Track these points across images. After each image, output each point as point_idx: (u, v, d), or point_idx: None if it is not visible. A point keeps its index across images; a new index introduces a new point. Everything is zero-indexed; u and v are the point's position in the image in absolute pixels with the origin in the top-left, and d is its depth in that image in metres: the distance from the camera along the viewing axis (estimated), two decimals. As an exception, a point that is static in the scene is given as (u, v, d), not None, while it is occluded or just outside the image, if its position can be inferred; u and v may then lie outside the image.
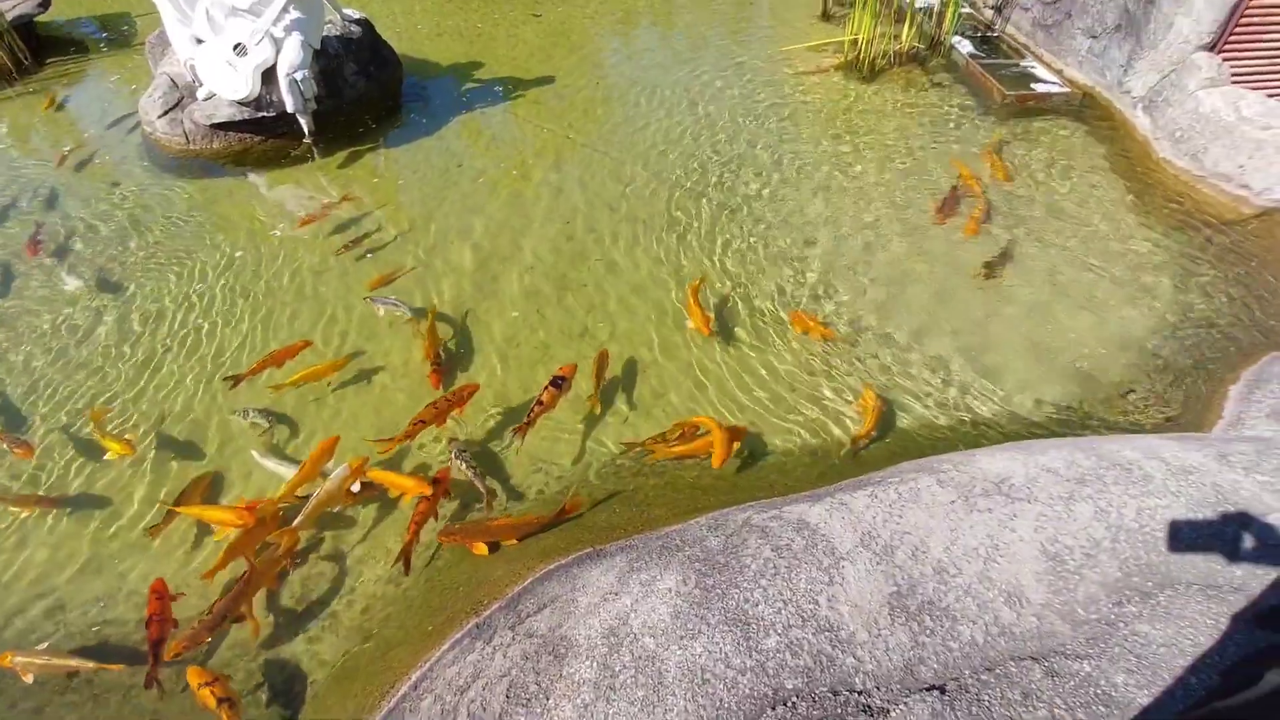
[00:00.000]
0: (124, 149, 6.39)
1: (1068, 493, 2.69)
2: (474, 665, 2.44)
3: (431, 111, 6.97)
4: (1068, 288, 4.75)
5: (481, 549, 3.31)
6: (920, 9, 7.76)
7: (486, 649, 2.50)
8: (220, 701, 2.71)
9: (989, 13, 8.03)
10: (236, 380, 4.10)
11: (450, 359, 4.39)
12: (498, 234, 5.36)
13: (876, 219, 5.43)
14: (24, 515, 3.55)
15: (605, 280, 4.94)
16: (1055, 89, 6.72)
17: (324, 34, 6.09)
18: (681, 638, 2.16)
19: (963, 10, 7.91)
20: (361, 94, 6.53)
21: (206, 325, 4.62)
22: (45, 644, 3.11)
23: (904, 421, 3.98)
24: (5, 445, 3.74)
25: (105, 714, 2.92)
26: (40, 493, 3.68)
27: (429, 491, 3.43)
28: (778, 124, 6.64)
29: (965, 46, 7.61)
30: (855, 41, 7.35)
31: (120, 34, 8.84)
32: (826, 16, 8.63)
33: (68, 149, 6.38)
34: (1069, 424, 3.95)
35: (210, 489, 3.72)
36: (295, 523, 3.34)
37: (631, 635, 2.22)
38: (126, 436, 3.88)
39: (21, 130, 6.90)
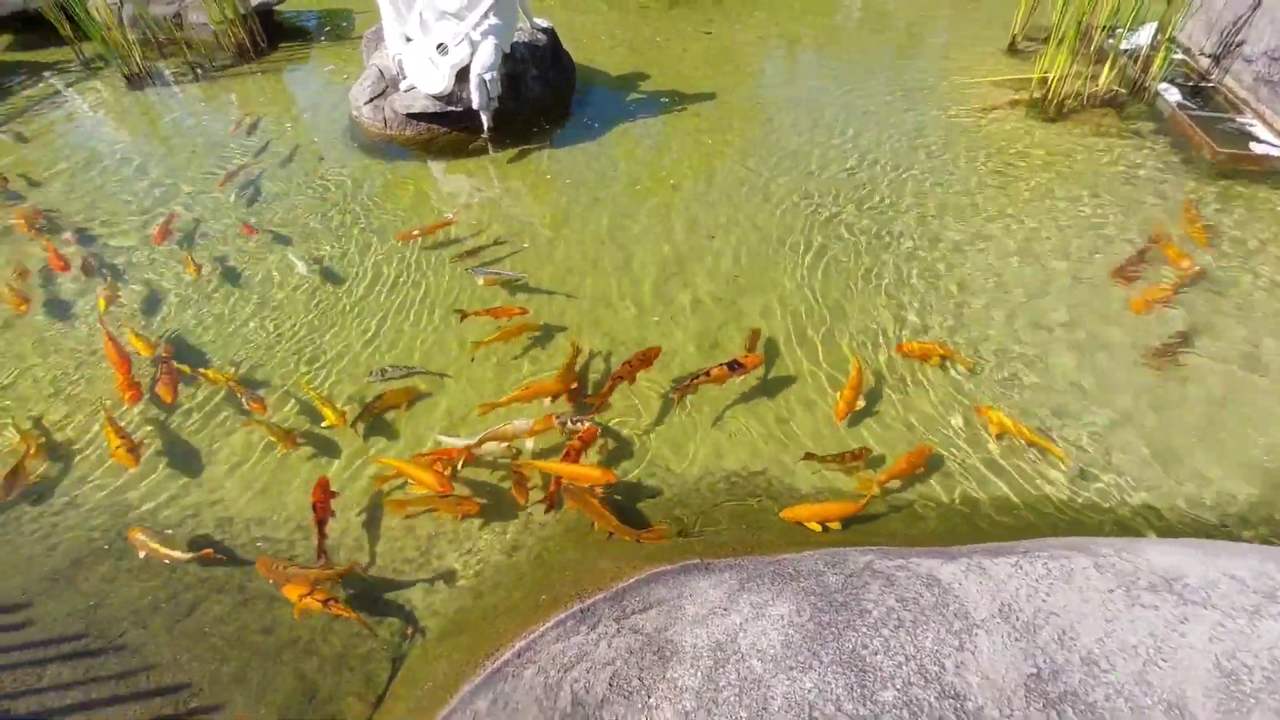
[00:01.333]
0: (331, 129, 7.28)
1: (1253, 605, 2.34)
2: (578, 647, 2.52)
3: (597, 118, 7.32)
4: (1268, 375, 4.14)
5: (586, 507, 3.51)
6: (1125, 50, 7.09)
7: (591, 635, 2.57)
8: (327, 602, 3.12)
9: (1204, 61, 7.17)
10: (464, 315, 4.72)
11: (584, 359, 4.56)
12: (642, 239, 5.53)
13: (1047, 271, 5.01)
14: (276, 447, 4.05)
15: (740, 299, 4.93)
16: (1277, 152, 5.88)
17: (514, 39, 6.60)
18: (791, 669, 2.10)
19: (1174, 56, 7.13)
20: (538, 97, 7.00)
21: (382, 294, 5.16)
22: (170, 531, 3.61)
23: (1046, 489, 3.63)
24: (243, 399, 4.32)
25: (221, 606, 3.30)
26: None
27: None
28: (944, 158, 6.33)
29: (1173, 95, 6.84)
30: (1045, 79, 6.85)
31: (340, 28, 10.06)
32: (1013, 50, 8.10)
33: (249, 120, 7.43)
34: (1249, 528, 3.43)
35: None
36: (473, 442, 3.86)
37: (739, 654, 2.19)
38: (343, 409, 4.23)
39: (247, 101, 8.04)
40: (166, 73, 8.79)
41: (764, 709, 1.99)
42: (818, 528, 3.45)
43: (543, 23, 7.17)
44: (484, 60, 6.17)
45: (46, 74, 8.89)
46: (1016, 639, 2.17)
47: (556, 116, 7.28)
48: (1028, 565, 2.47)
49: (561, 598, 3.10)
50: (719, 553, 3.27)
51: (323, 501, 3.57)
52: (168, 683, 2.90)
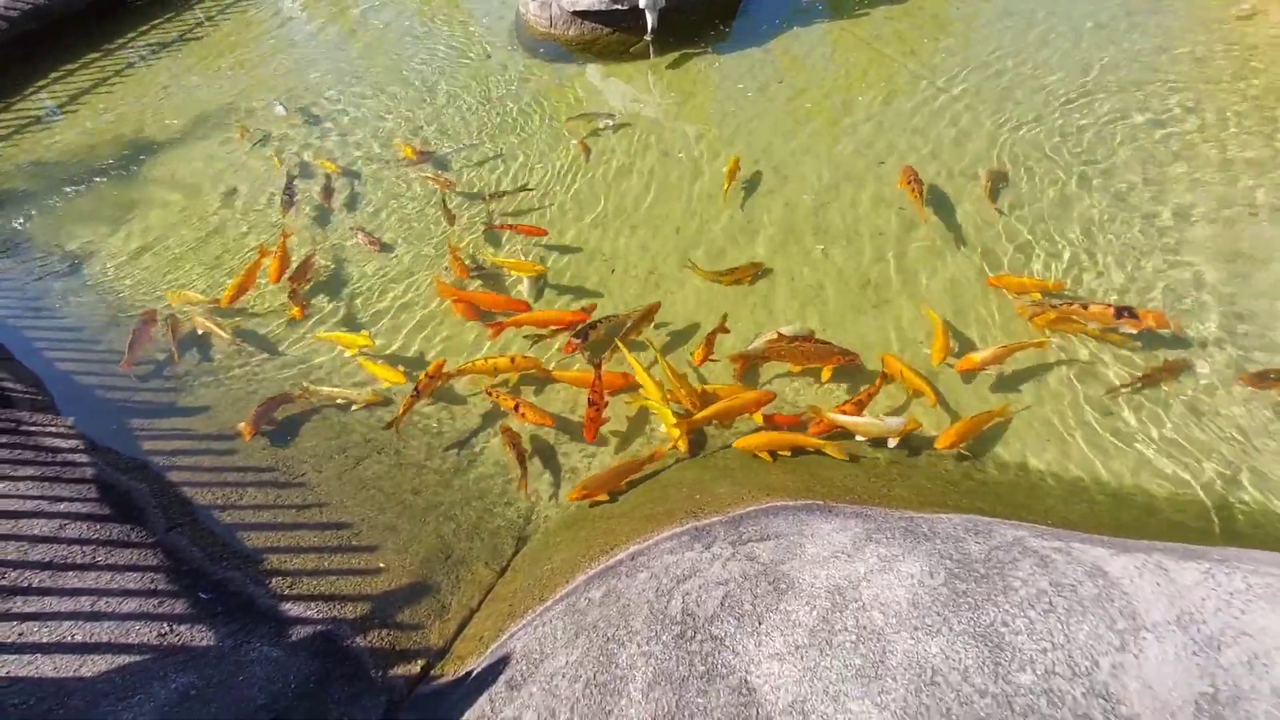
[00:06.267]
0: (498, 26, 7.32)
1: None
2: (691, 563, 2.55)
3: (768, 22, 6.73)
4: None
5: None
6: None
7: (705, 554, 2.59)
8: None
9: None
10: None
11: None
12: (800, 161, 5.13)
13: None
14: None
15: (904, 236, 4.47)
16: None
17: (688, -70, 6.13)
18: (916, 629, 1.99)
19: None
20: (706, -3, 6.55)
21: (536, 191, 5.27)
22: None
23: (1266, 499, 3.07)
24: (361, 240, 4.98)
25: (380, 465, 3.69)
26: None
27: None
28: (1193, 87, 5.17)
29: None
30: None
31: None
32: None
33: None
34: None
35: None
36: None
37: (860, 603, 2.11)
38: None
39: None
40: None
41: (881, 661, 1.91)
42: (768, 458, 3.41)
43: (721, -89, 6.58)
44: (656, -47, 5.81)
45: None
46: (1194, 653, 1.89)
47: (724, 17, 6.79)
48: (1222, 576, 2.11)
49: (675, 513, 3.16)
50: (842, 496, 3.14)
51: (434, 375, 3.88)
52: (335, 519, 3.35)
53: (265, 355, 4.42)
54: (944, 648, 1.92)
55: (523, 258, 4.73)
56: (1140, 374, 3.54)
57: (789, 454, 3.49)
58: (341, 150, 6.02)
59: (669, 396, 3.65)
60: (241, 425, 3.79)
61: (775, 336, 3.84)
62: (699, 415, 3.55)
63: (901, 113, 5.41)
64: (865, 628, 2.03)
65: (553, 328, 4.22)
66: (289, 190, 5.49)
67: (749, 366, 3.89)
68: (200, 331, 4.46)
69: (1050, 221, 4.39)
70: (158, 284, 4.95)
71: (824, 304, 4.18)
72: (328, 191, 5.49)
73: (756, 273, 4.38)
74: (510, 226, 4.92)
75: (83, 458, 3.55)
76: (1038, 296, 3.95)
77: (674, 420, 3.52)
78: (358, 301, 4.68)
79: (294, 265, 4.80)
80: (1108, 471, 3.27)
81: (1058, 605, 2.01)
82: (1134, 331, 3.63)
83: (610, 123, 5.67)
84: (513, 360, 3.94)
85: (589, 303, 4.35)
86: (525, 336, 4.30)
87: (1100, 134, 4.90)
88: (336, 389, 4.06)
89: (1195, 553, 2.30)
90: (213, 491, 3.47)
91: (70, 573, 2.84)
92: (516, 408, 3.75)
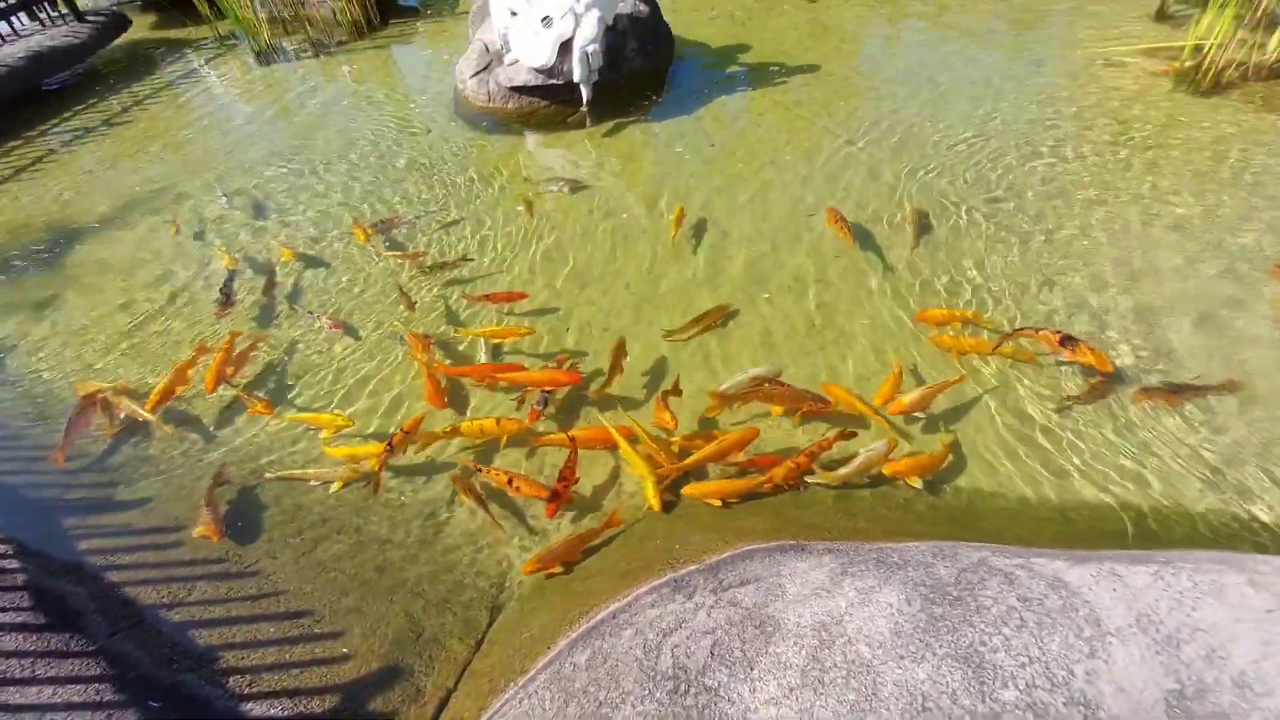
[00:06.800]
0: (436, 102, 7.54)
1: None
2: (675, 615, 2.54)
3: (695, 91, 7.21)
4: None
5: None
6: (1302, 14, 6.23)
7: (688, 604, 2.59)
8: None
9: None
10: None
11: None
12: (738, 217, 5.42)
13: (1188, 259, 4.54)
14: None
15: (843, 281, 4.76)
16: None
17: (616, 10, 6.57)
18: (902, 657, 2.04)
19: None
20: (637, 70, 6.96)
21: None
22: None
23: (1198, 506, 3.32)
24: (325, 324, 4.79)
25: (340, 545, 3.54)
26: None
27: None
28: (1073, 135, 5.82)
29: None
30: (1199, 48, 6.14)
31: (447, 3, 10.34)
32: (1163, 16, 7.31)
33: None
34: None
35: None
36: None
37: (845, 638, 2.15)
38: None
39: (361, 76, 8.44)
40: (290, 49, 9.36)
41: (874, 694, 1.94)
42: (718, 503, 3.48)
43: (646, -7, 7.10)
44: (587, 34, 6.18)
45: (186, 51, 9.69)
46: (1156, 652, 2.01)
47: (654, 89, 7.23)
48: (1169, 576, 2.27)
49: (652, 565, 3.14)
50: (812, 534, 3.21)
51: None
52: (295, 608, 3.17)
53: (202, 439, 4.21)
54: (930, 673, 1.97)
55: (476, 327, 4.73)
56: (1072, 395, 3.83)
57: (737, 501, 3.52)
58: (289, 236, 5.90)
59: (647, 455, 3.65)
60: (201, 529, 3.49)
61: (750, 378, 3.96)
62: (688, 461, 3.59)
63: (821, 166, 5.83)
64: (854, 661, 2.06)
65: (547, 389, 4.13)
66: (227, 288, 5.17)
67: (726, 406, 3.98)
68: (136, 419, 4.22)
69: (946, 252, 4.79)
70: (87, 375, 4.68)
71: (774, 348, 4.36)
72: (270, 283, 5.23)
73: (725, 315, 4.55)
74: (487, 298, 4.80)
75: (12, 563, 3.26)
76: (957, 326, 4.27)
77: (653, 481, 3.50)
78: (323, 384, 4.51)
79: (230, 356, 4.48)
80: (1046, 489, 3.47)
81: (1028, 620, 2.11)
82: (1067, 360, 3.92)
83: (560, 188, 5.85)
84: (498, 423, 3.89)
85: (573, 362, 4.38)
86: (513, 398, 4.23)
87: (982, 172, 5.43)
88: (309, 470, 3.89)
89: (1141, 557, 2.47)
90: (158, 589, 3.23)
91: (11, 688, 2.58)
92: (510, 482, 3.61)
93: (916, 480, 3.49)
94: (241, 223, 6.03)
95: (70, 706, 2.59)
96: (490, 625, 3.23)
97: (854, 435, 3.72)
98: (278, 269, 5.42)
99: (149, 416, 4.17)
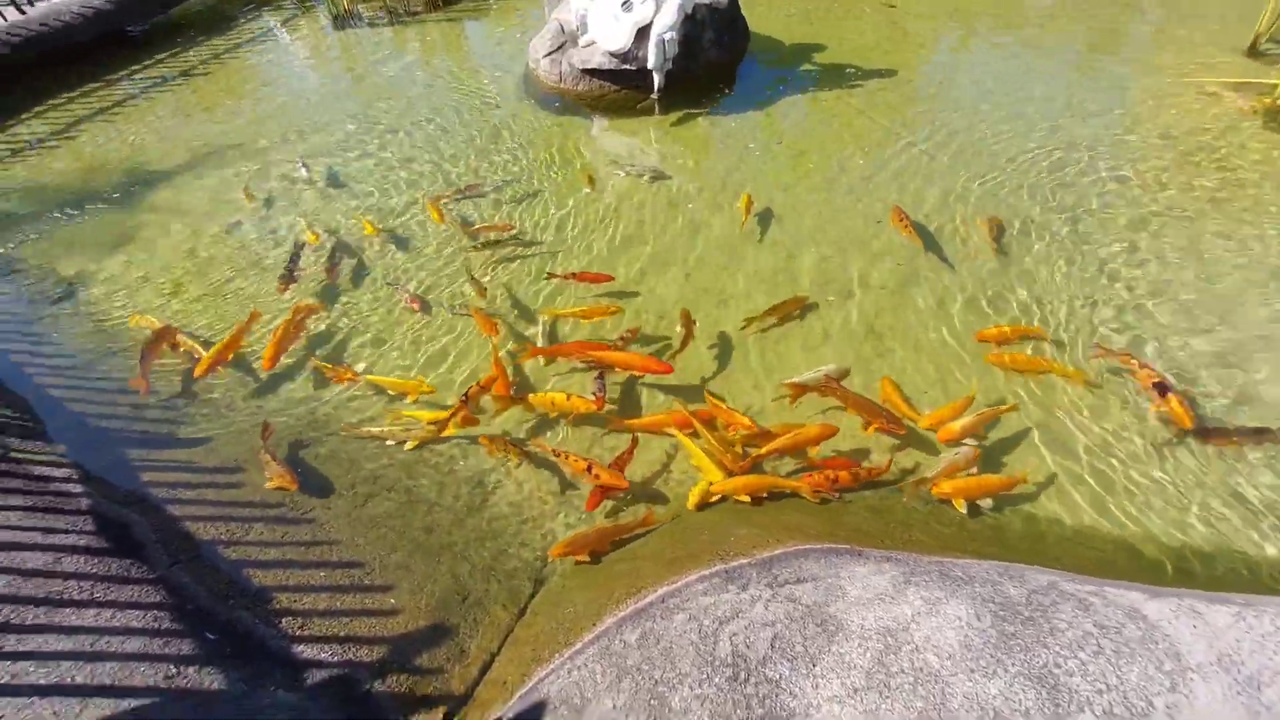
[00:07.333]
0: (506, 80, 7.58)
1: None
2: (730, 604, 2.53)
3: (766, 86, 7.13)
4: None
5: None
6: None
7: (743, 595, 2.57)
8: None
9: None
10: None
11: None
12: (804, 216, 5.36)
13: (1264, 297, 4.37)
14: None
15: (906, 287, 4.68)
16: None
17: (696, 0, 6.52)
18: (972, 671, 2.00)
19: None
20: (711, 61, 6.91)
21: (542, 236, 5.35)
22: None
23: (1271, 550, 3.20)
24: (403, 298, 4.80)
25: (390, 502, 3.58)
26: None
27: None
28: (1158, 162, 5.62)
29: None
30: (1296, 85, 5.88)
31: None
32: (1255, 52, 7.01)
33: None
34: None
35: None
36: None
37: (913, 645, 2.12)
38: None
39: (433, 48, 8.52)
40: (365, 15, 9.49)
41: (942, 703, 1.91)
42: (746, 499, 3.48)
43: (726, -15, 7.03)
44: (666, 20, 6.15)
45: (265, 10, 9.89)
46: (1238, 692, 1.94)
47: (725, 82, 7.16)
48: (1251, 618, 2.19)
49: (700, 555, 3.13)
50: (863, 541, 3.17)
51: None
52: (346, 558, 3.23)
53: (257, 383, 4.29)
54: (1003, 689, 1.93)
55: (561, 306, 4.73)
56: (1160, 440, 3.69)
57: (763, 498, 3.50)
58: (360, 205, 5.92)
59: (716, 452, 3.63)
60: (277, 480, 3.52)
61: (824, 375, 3.99)
62: (763, 449, 3.61)
63: (891, 171, 5.73)
64: (921, 669, 2.03)
65: (635, 371, 4.13)
66: (292, 264, 5.05)
67: (802, 396, 3.98)
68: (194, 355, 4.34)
69: (1017, 268, 4.66)
70: (156, 313, 4.82)
71: (830, 351, 4.30)
72: (335, 261, 5.12)
73: (802, 306, 4.54)
74: (574, 276, 4.77)
75: (77, 488, 3.38)
76: (1017, 342, 4.21)
77: (705, 485, 3.50)
78: (401, 354, 4.52)
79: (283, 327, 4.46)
80: (1108, 521, 3.37)
81: (1105, 647, 2.05)
82: (1153, 407, 3.79)
83: (638, 173, 5.84)
84: (568, 398, 3.91)
85: (629, 329, 4.43)
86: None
87: (1058, 191, 5.27)
88: (385, 428, 3.96)
89: (1220, 597, 2.38)
90: (216, 526, 3.32)
91: (68, 609, 2.66)
92: (589, 469, 3.56)
93: (984, 501, 3.43)
94: (314, 191, 6.13)
95: (128, 631, 2.66)
96: (533, 596, 3.25)
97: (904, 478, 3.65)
98: (361, 243, 5.39)
99: (202, 352, 4.33)
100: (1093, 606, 2.24)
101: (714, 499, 3.52)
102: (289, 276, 4.99)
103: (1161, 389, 3.73)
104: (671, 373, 4.04)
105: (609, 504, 3.62)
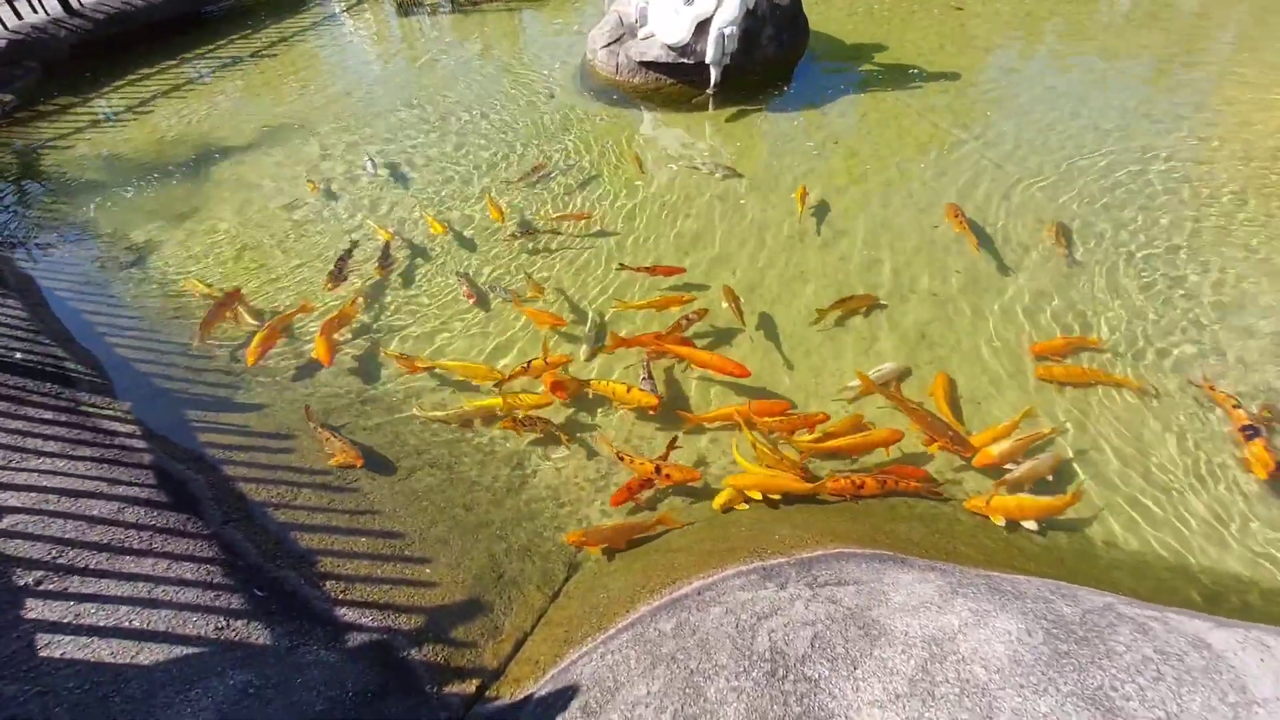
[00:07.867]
0: (564, 70, 7.63)
1: None
2: (769, 601, 2.50)
3: (824, 85, 7.01)
4: None
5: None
6: None
7: (782, 593, 2.54)
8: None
9: None
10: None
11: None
12: (859, 219, 5.25)
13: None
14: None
15: (961, 296, 4.55)
16: None
17: (758, -4, 6.46)
18: (1022, 686, 1.93)
19: None
20: (770, 57, 6.83)
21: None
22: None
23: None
24: (463, 291, 4.82)
25: (432, 478, 3.65)
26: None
27: None
28: (1237, 183, 5.34)
29: None
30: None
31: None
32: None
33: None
34: None
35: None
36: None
37: (959, 656, 2.05)
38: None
39: (493, 38, 8.63)
40: (427, 3, 9.67)
41: (989, 717, 1.85)
42: (758, 495, 3.44)
43: (789, -19, 6.95)
44: (727, 14, 6.10)
45: (333, -4, 10.16)
46: (1311, 735, 1.83)
47: (783, 78, 7.08)
48: (1328, 659, 2.06)
49: (737, 551, 3.10)
50: (906, 549, 3.10)
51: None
52: (388, 528, 3.30)
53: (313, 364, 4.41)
54: (1053, 708, 1.86)
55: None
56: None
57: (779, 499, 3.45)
58: (419, 196, 5.92)
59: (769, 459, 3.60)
60: (342, 457, 3.58)
61: (891, 371, 4.04)
62: (827, 445, 3.61)
63: (951, 177, 5.58)
64: (968, 681, 1.97)
65: (712, 372, 4.08)
66: (341, 263, 5.02)
67: (869, 392, 3.96)
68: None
69: (1078, 281, 4.47)
70: (218, 281, 5.00)
71: (880, 355, 4.21)
72: (388, 260, 5.12)
73: (871, 304, 4.50)
74: (645, 269, 4.79)
75: (140, 443, 3.53)
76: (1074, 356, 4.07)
77: (738, 489, 3.49)
78: (463, 345, 4.53)
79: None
80: (1165, 549, 3.22)
81: (1166, 673, 1.96)
82: (1237, 447, 3.60)
83: (701, 165, 5.82)
84: (628, 390, 3.93)
85: (698, 309, 4.43)
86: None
87: (1128, 205, 5.05)
88: (450, 410, 4.01)
89: (1293, 633, 2.25)
90: (267, 489, 3.43)
91: (128, 557, 2.78)
92: (658, 470, 3.52)
93: (1034, 521, 3.33)
94: (377, 184, 6.24)
95: (182, 582, 2.76)
96: (567, 579, 3.27)
97: (942, 498, 3.53)
98: (424, 240, 5.38)
99: (255, 325, 4.51)
100: (1153, 631, 2.14)
101: (740, 503, 3.49)
102: (338, 274, 4.95)
103: (1251, 431, 3.55)
104: (748, 376, 3.98)
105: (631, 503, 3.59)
